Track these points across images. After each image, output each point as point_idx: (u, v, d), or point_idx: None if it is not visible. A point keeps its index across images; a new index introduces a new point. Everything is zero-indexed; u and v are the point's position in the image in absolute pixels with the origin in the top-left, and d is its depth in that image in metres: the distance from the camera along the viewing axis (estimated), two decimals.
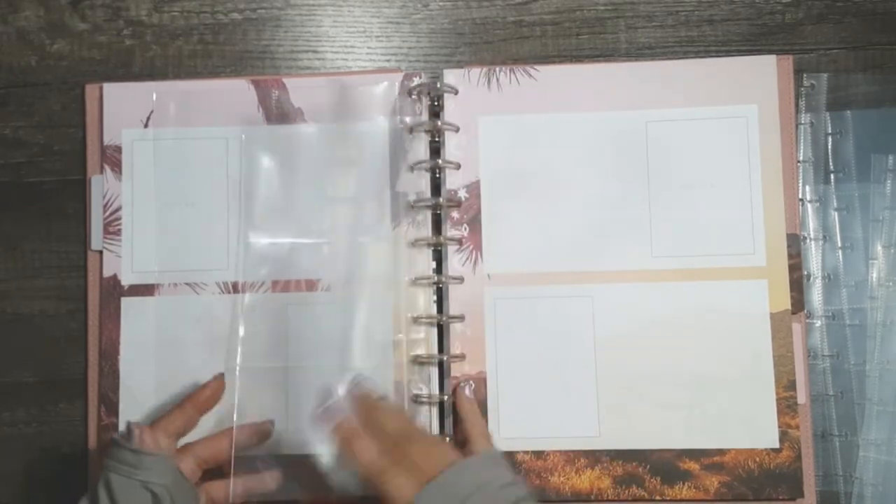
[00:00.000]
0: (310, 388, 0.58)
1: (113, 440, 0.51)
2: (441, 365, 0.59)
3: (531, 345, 0.59)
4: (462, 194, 0.60)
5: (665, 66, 0.61)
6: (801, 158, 0.61)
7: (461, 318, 0.59)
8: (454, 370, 0.58)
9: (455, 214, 0.60)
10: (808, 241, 0.60)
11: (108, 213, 0.60)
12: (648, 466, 0.57)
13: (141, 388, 0.59)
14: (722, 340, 0.58)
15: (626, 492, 0.57)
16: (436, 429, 0.58)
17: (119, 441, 0.50)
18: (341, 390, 0.53)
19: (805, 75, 0.61)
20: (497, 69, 0.60)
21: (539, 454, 0.58)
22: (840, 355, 0.59)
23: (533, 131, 0.60)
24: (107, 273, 0.60)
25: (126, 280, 0.60)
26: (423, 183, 0.60)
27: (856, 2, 0.62)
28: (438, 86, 0.60)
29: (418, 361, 0.59)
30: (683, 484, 0.57)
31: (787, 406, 0.57)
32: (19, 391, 0.61)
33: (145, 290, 0.60)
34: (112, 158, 0.61)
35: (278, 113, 0.61)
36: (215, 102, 0.61)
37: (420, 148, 0.60)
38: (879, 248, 0.60)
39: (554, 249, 0.59)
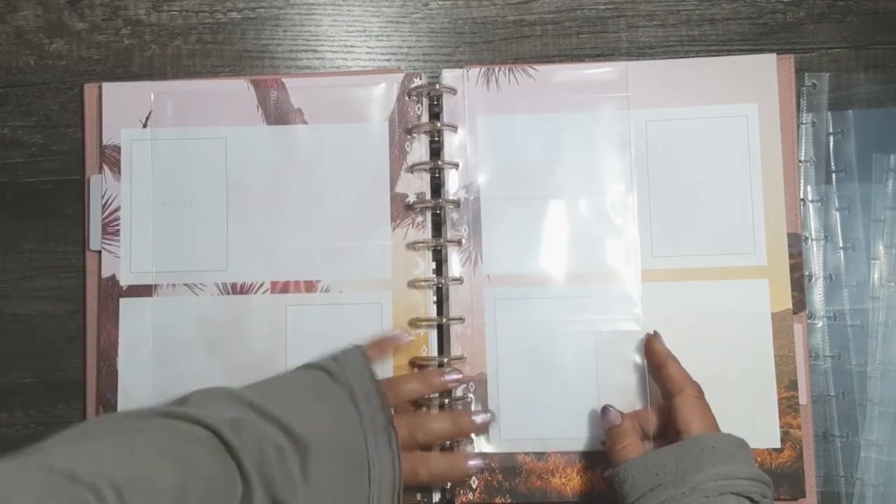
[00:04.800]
0: None
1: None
2: (441, 367, 0.58)
3: (531, 345, 0.58)
4: (462, 195, 0.60)
5: (666, 66, 0.61)
6: (802, 158, 0.60)
7: (461, 319, 0.58)
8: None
9: (455, 215, 0.59)
10: (809, 241, 0.60)
11: (106, 214, 0.60)
12: None
13: (139, 390, 0.58)
14: (723, 340, 0.58)
15: None
16: None
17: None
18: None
19: (806, 75, 0.61)
20: (496, 69, 0.60)
21: (540, 455, 0.58)
22: (841, 356, 0.59)
23: (532, 131, 0.60)
24: (105, 273, 0.60)
25: (124, 281, 0.60)
26: (423, 184, 0.60)
27: (857, 1, 0.62)
28: (437, 86, 0.59)
29: (418, 363, 0.58)
30: None
31: (788, 406, 0.57)
32: (18, 392, 0.61)
33: (144, 290, 0.59)
34: (111, 158, 0.60)
35: (277, 113, 0.60)
36: (214, 102, 0.61)
37: (420, 149, 0.60)
38: (881, 248, 0.60)
39: (554, 249, 0.59)
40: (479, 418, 0.56)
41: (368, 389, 0.51)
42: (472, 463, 0.55)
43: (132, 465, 0.42)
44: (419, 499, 0.57)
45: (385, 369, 0.58)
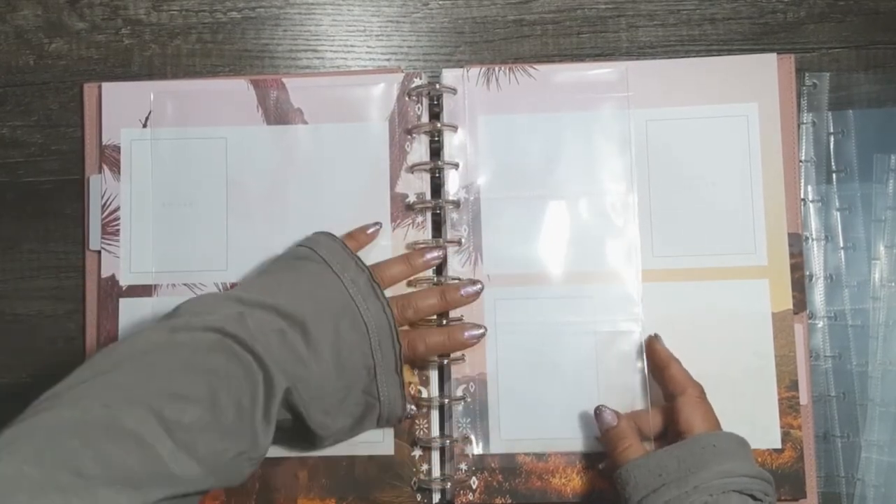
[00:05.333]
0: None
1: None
2: (441, 367, 0.58)
3: (531, 345, 0.58)
4: (462, 195, 0.60)
5: (666, 65, 0.60)
6: (802, 158, 0.60)
7: (461, 319, 0.58)
8: (454, 372, 0.58)
9: (455, 215, 0.59)
10: (809, 241, 0.60)
11: (106, 214, 0.60)
12: None
13: None
14: (723, 340, 0.58)
15: None
16: (435, 432, 0.58)
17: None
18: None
19: (807, 74, 0.61)
20: (496, 69, 0.60)
21: (540, 456, 0.57)
22: (842, 356, 0.59)
23: (533, 131, 0.60)
24: (105, 273, 0.60)
25: (124, 281, 0.60)
26: (423, 184, 0.60)
27: (857, 1, 0.62)
28: (437, 86, 0.59)
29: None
30: None
31: (789, 406, 0.57)
32: (17, 392, 0.61)
33: (143, 290, 0.59)
34: (110, 158, 0.60)
35: (277, 113, 0.60)
36: (214, 102, 0.61)
37: (420, 149, 0.60)
38: (882, 248, 0.60)
39: (554, 249, 0.59)
40: (470, 289, 0.57)
41: (343, 257, 0.53)
42: (470, 333, 0.56)
43: (160, 388, 0.43)
44: (419, 499, 0.57)
45: None
